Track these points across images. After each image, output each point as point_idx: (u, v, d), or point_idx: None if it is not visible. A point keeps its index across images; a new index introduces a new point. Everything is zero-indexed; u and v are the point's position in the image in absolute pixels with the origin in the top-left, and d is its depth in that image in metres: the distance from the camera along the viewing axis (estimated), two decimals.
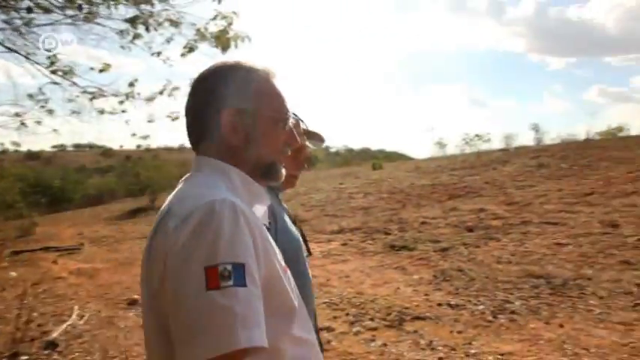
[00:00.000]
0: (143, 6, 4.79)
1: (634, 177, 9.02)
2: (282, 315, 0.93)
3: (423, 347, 3.98)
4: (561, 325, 4.11)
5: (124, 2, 4.76)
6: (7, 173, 16.52)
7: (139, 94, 5.31)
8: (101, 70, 5.04)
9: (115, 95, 5.24)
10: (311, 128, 1.61)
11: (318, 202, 12.19)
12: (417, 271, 6.20)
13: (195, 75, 1.07)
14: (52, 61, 4.94)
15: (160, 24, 4.86)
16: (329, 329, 4.43)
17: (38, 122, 5.35)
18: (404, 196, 11.38)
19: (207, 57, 4.96)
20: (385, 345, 4.08)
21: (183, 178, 1.04)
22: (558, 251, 6.05)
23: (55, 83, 5.09)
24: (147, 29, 4.84)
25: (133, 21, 4.80)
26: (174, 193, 0.99)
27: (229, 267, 0.80)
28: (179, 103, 5.34)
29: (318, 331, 1.34)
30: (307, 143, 1.59)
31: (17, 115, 5.21)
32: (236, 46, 4.74)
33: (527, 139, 18.88)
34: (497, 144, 19.31)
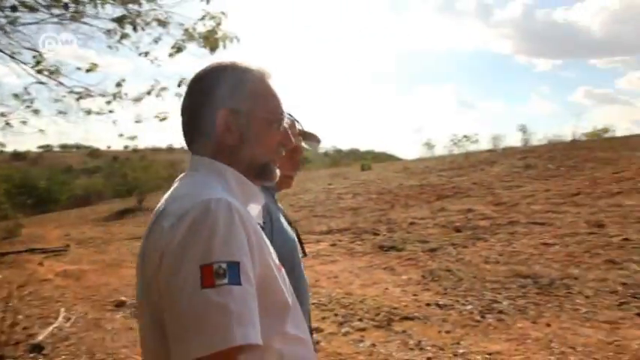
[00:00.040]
0: (130, 5, 4.77)
1: (619, 177, 9.13)
2: (277, 313, 0.94)
3: (412, 347, 3.99)
4: (548, 325, 4.15)
5: (111, 1, 4.74)
6: None
7: (126, 94, 5.29)
8: (88, 70, 5.01)
9: (103, 95, 5.22)
10: (307, 129, 1.61)
11: (307, 202, 12.18)
12: (405, 271, 6.22)
13: (188, 75, 1.08)
14: (38, 60, 4.90)
15: (147, 24, 4.84)
16: (318, 330, 4.42)
17: (24, 122, 5.31)
18: (392, 196, 11.42)
19: (196, 57, 4.95)
20: (374, 345, 4.08)
21: (178, 178, 1.04)
22: (545, 251, 6.11)
23: (41, 83, 5.05)
24: (134, 29, 4.82)
25: (120, 20, 4.77)
26: (169, 192, 1.00)
27: (224, 265, 0.80)
28: (167, 103, 5.33)
29: (312, 331, 1.34)
30: (303, 144, 1.59)
31: (2, 115, 5.17)
32: (224, 47, 4.74)
33: (514, 140, 18.98)
34: (485, 145, 19.36)
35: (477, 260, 6.16)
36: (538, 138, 18.13)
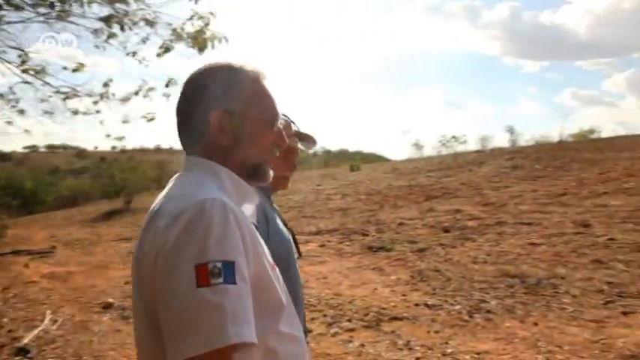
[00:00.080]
0: (118, 5, 4.73)
1: (605, 178, 9.24)
2: (271, 312, 0.95)
3: (401, 347, 4.01)
4: (535, 324, 4.19)
5: (98, 1, 4.70)
6: None
7: (113, 94, 5.25)
8: (75, 70, 4.96)
9: (89, 95, 5.18)
10: (302, 130, 1.61)
11: (296, 203, 12.17)
12: (394, 271, 6.24)
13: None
14: (23, 59, 4.85)
15: (135, 23, 4.81)
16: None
17: (9, 122, 5.26)
18: (381, 197, 11.45)
19: (184, 57, 4.93)
20: (363, 345, 4.09)
21: (173, 178, 1.05)
22: (532, 251, 6.16)
23: (27, 83, 4.99)
24: (122, 28, 4.79)
25: (107, 20, 4.74)
26: (164, 192, 1.00)
27: (219, 265, 0.81)
28: (155, 103, 5.30)
29: (306, 332, 1.33)
30: (299, 145, 1.59)
31: None
32: (213, 47, 4.73)
33: (502, 140, 19.08)
34: (473, 146, 19.48)
35: (465, 260, 6.20)
36: (525, 139, 18.33)
